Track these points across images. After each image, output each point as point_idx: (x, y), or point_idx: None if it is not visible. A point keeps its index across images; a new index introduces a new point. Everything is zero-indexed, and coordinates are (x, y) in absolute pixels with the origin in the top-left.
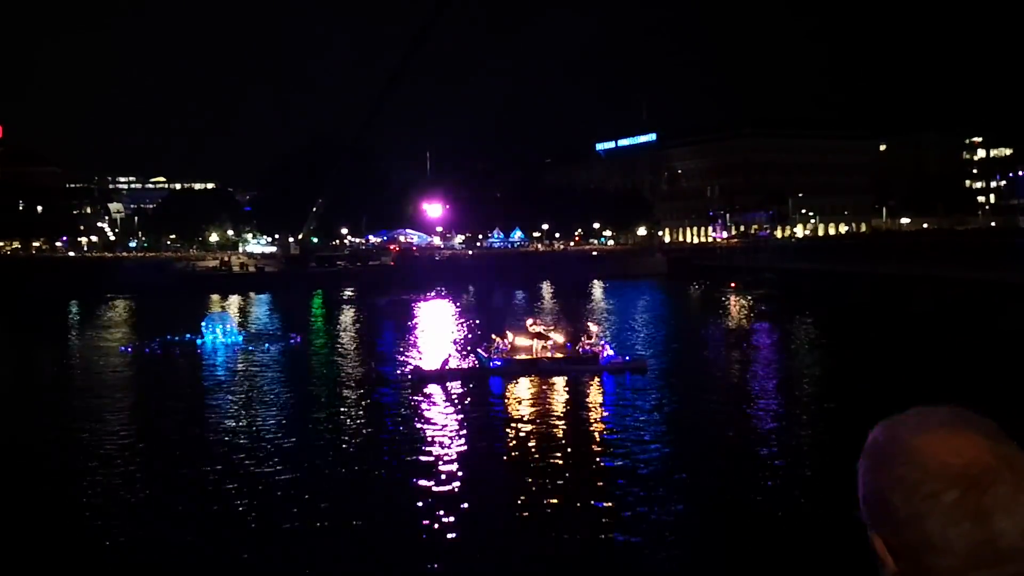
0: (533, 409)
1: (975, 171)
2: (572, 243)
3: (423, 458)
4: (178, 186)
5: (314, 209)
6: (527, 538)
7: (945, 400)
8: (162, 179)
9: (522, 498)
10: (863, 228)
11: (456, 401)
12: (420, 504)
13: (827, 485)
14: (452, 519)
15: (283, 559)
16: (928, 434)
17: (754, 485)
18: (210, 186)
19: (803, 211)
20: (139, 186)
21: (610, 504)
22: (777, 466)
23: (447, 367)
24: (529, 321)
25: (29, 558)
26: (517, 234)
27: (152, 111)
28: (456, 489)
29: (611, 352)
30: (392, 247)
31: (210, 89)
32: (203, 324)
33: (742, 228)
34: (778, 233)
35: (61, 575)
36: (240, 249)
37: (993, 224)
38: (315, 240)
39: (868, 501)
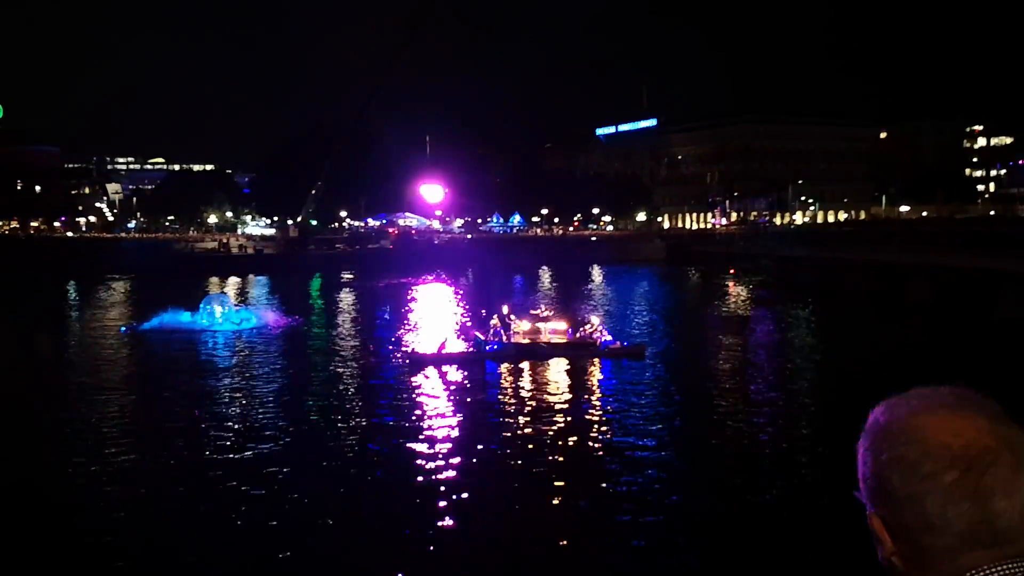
0: (530, 393)
1: (975, 159)
2: (571, 228)
3: (418, 441)
4: (177, 167)
5: (313, 192)
6: (522, 520)
7: (944, 384)
8: (161, 160)
9: (517, 480)
10: (862, 216)
11: (452, 385)
12: (415, 486)
13: (825, 466)
14: (447, 501)
15: (276, 538)
16: (929, 415)
17: (751, 468)
18: (209, 167)
19: (802, 198)
20: (138, 167)
21: (605, 487)
22: (774, 449)
23: (444, 351)
24: (505, 309)
25: (23, 534)
26: (516, 219)
27: (151, 92)
28: (451, 471)
29: (609, 337)
30: (391, 230)
31: (210, 70)
32: (201, 305)
33: (741, 214)
34: (777, 220)
35: (51, 553)
36: (239, 231)
37: (992, 213)
38: (314, 223)
39: (868, 480)
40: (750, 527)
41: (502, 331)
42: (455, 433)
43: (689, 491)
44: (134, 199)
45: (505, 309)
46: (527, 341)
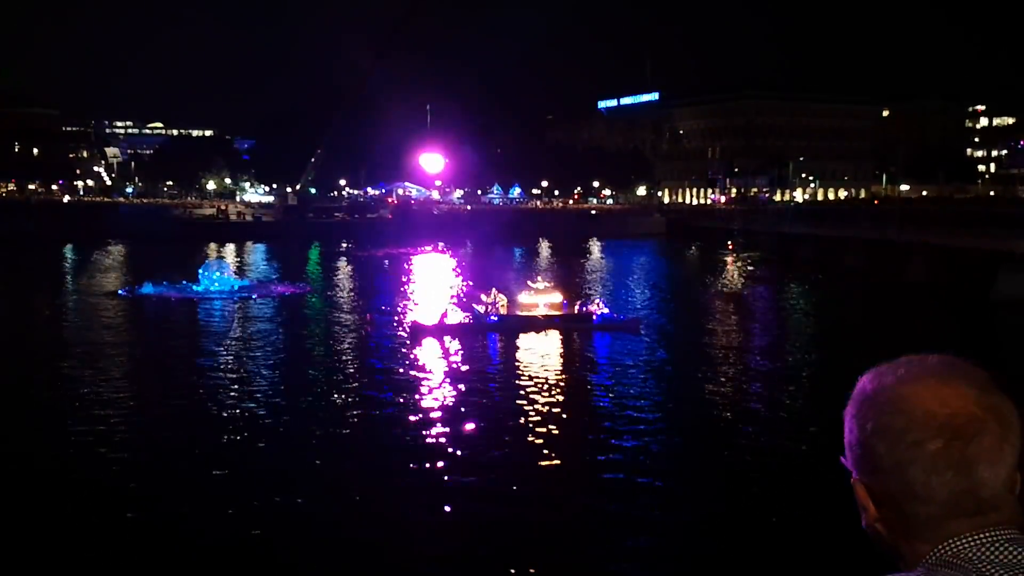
0: (526, 364)
1: (977, 140)
2: (571, 201)
3: (417, 408)
4: (176, 132)
5: (313, 160)
6: (516, 485)
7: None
8: (160, 124)
9: (512, 446)
10: (863, 194)
11: (452, 355)
12: (413, 452)
13: (813, 435)
14: (442, 469)
15: (272, 510)
16: (915, 383)
17: (741, 436)
18: (208, 133)
19: (803, 175)
20: (137, 131)
21: (597, 456)
22: (764, 418)
23: (445, 321)
24: (487, 297)
25: (22, 492)
26: (516, 191)
27: (152, 56)
28: (447, 439)
29: (606, 311)
30: (390, 200)
31: (210, 35)
32: (199, 271)
33: (742, 190)
34: (777, 197)
35: (48, 509)
36: (237, 198)
37: (992, 193)
38: (313, 191)
39: (853, 448)
40: (738, 492)
41: (497, 304)
42: (453, 402)
43: (680, 459)
44: (132, 164)
45: (487, 297)
46: (525, 313)
